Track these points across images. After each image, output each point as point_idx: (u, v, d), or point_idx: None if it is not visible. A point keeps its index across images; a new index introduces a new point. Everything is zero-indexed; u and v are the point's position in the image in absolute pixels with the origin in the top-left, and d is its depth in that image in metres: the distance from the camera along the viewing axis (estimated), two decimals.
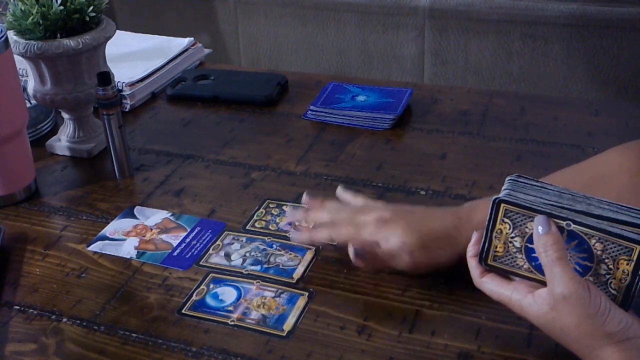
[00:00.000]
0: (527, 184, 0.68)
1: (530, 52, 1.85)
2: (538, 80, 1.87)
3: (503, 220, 0.68)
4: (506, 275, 0.70)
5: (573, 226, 0.65)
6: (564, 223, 0.65)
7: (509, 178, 0.69)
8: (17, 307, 0.81)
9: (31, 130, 1.11)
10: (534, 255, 0.67)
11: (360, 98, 1.18)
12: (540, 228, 0.65)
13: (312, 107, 1.16)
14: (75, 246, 0.90)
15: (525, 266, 0.68)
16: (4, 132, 0.94)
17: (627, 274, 0.64)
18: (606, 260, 0.65)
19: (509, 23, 1.83)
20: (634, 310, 0.64)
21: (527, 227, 0.67)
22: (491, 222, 0.69)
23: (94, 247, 0.89)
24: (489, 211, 0.69)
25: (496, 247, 0.69)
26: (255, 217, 0.92)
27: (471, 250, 0.71)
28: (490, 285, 0.70)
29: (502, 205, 0.67)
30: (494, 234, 0.69)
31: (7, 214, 0.97)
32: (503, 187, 0.69)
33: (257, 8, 2.10)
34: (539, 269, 0.66)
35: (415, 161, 1.03)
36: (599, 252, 0.65)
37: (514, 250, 0.68)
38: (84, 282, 0.84)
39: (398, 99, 1.16)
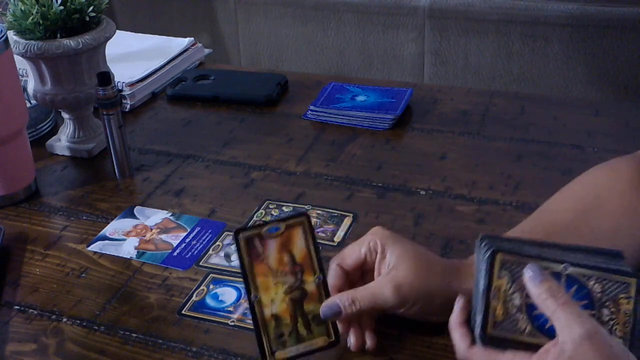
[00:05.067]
0: (502, 238, 0.64)
1: (530, 52, 1.85)
2: (538, 80, 1.87)
3: (500, 275, 0.62)
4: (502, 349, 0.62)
5: (570, 269, 0.61)
6: (561, 267, 0.61)
7: (481, 237, 0.64)
8: (17, 307, 0.81)
9: (31, 130, 1.11)
10: (535, 313, 0.61)
11: (360, 98, 1.18)
12: (532, 276, 0.60)
13: (312, 107, 1.16)
14: (75, 246, 0.90)
15: (527, 329, 0.62)
16: (4, 132, 0.94)
17: (629, 315, 0.61)
18: (607, 304, 0.61)
19: (509, 23, 1.83)
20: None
21: None
22: (487, 280, 0.62)
23: (94, 247, 0.89)
24: (482, 268, 0.62)
25: (495, 311, 0.62)
26: (255, 218, 0.92)
27: (458, 317, 0.65)
28: (481, 356, 0.62)
29: (499, 255, 0.62)
30: (491, 294, 0.62)
31: (7, 214, 0.97)
32: (482, 244, 0.63)
33: (257, 8, 2.10)
34: (542, 328, 0.61)
35: (415, 161, 1.03)
36: (598, 295, 0.61)
37: (514, 310, 0.62)
38: (84, 282, 0.84)
39: (398, 99, 1.16)
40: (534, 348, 0.60)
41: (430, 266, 0.70)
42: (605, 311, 0.61)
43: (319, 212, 0.92)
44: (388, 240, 0.72)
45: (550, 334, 0.60)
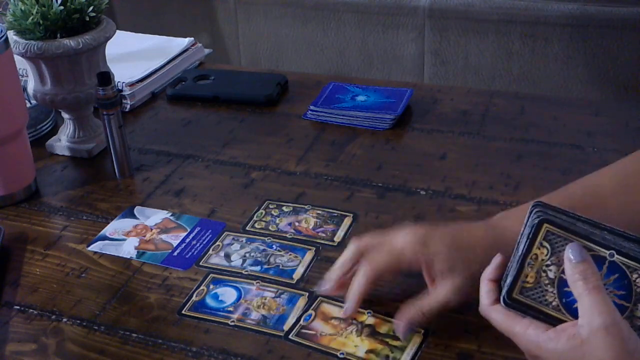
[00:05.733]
0: (557, 209, 0.63)
1: (530, 52, 1.85)
2: (538, 80, 1.87)
3: (541, 244, 0.62)
4: (523, 314, 0.63)
5: (616, 256, 0.60)
6: (607, 252, 0.60)
7: (535, 203, 0.64)
8: (17, 307, 0.81)
9: (31, 130, 1.11)
10: (567, 290, 0.61)
11: (360, 98, 1.18)
12: (571, 255, 0.60)
13: (312, 107, 1.16)
14: (75, 246, 0.90)
15: (553, 303, 0.61)
16: (4, 132, 0.94)
17: None
18: None
19: (509, 23, 1.83)
20: None
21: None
22: (526, 246, 0.62)
23: (94, 247, 0.89)
24: (526, 233, 0.62)
25: (526, 277, 0.62)
26: (255, 218, 0.92)
27: (491, 274, 0.65)
28: (500, 315, 0.63)
29: (545, 225, 0.62)
30: (527, 260, 0.62)
31: (7, 214, 0.97)
32: (534, 211, 0.63)
33: (257, 8, 2.10)
34: (569, 307, 0.61)
35: (415, 161, 1.03)
36: (638, 290, 0.59)
37: (546, 281, 0.62)
38: (84, 282, 0.84)
39: (398, 99, 1.16)
40: (553, 322, 0.61)
41: (468, 249, 0.72)
42: None
43: (319, 212, 0.92)
44: (422, 246, 0.72)
45: (575, 314, 0.60)
